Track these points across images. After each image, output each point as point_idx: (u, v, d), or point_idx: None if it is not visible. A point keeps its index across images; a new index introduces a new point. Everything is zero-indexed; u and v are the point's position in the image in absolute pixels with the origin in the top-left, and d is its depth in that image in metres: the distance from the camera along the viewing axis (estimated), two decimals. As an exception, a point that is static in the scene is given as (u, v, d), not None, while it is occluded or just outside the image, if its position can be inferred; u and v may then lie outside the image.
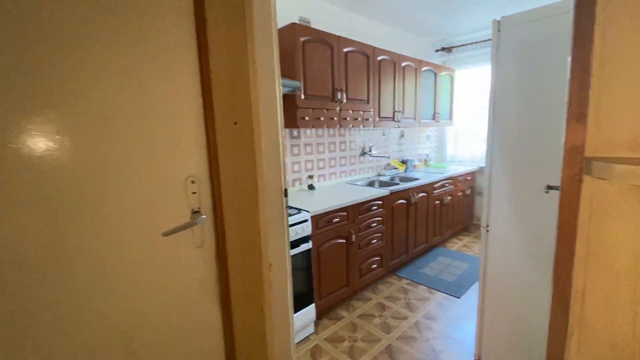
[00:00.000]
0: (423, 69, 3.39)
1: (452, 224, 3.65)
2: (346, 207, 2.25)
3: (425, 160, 4.21)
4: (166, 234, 1.08)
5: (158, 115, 1.06)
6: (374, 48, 2.74)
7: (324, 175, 2.90)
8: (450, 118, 4.03)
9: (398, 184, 2.94)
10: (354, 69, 2.56)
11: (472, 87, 4.08)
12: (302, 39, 2.18)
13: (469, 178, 3.86)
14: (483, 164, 4.01)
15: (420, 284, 2.70)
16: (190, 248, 1.18)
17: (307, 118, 2.24)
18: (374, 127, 2.86)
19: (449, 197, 3.50)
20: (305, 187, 2.71)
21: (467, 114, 4.15)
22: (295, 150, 2.64)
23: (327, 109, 2.38)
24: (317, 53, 2.29)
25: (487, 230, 1.64)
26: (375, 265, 2.59)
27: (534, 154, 1.43)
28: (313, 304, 2.06)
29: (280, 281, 1.14)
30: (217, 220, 1.23)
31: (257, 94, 1.06)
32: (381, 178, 3.29)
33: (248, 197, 1.14)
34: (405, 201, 2.85)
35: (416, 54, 3.65)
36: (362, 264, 2.48)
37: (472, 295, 2.51)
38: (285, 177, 1.21)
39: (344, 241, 2.29)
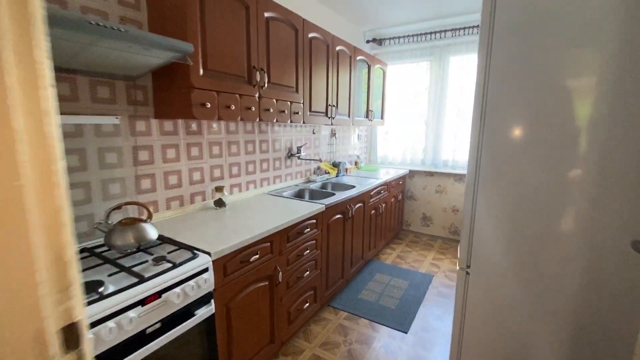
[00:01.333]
0: (358, 58, 2.92)
1: (385, 233, 3.32)
2: (271, 235, 1.58)
3: (356, 162, 3.82)
4: None
5: None
6: (304, 20, 2.11)
7: (238, 185, 2.16)
8: (382, 117, 3.71)
9: (333, 193, 2.40)
10: (278, 43, 1.89)
11: (402, 84, 3.83)
12: (199, -17, 1.41)
13: (401, 182, 3.60)
14: (413, 167, 3.82)
15: (361, 317, 2.22)
16: None
17: (209, 105, 1.48)
18: (303, 123, 2.25)
19: (384, 205, 3.14)
20: (211, 203, 1.94)
21: (397, 113, 3.90)
22: (195, 151, 1.84)
23: (240, 95, 1.66)
24: (226, 10, 1.54)
25: (467, 273, 1.19)
26: (307, 304, 2.00)
27: (561, 174, 1.00)
28: (220, 393, 1.34)
29: None
30: None
31: None
32: (311, 186, 2.72)
33: None
34: (341, 215, 2.33)
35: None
36: (292, 306, 1.85)
37: (418, 325, 2.13)
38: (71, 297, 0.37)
39: (267, 283, 1.62)
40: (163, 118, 1.62)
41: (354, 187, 2.68)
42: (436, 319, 2.19)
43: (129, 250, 1.27)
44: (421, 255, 3.32)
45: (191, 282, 1.15)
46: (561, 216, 1.00)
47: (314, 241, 2.00)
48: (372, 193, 2.81)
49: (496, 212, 1.10)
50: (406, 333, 2.06)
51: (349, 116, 2.88)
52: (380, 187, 2.98)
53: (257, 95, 1.76)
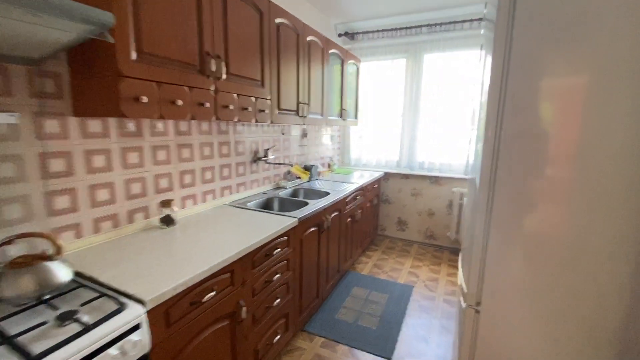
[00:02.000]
0: (330, 51, 2.66)
1: (361, 241, 3.11)
2: (232, 263, 1.27)
3: (329, 165, 3.57)
4: None
5: None
6: (270, 2, 1.80)
7: (192, 196, 1.80)
8: (356, 116, 3.48)
9: (306, 202, 2.12)
10: (239, 26, 1.57)
11: (376, 82, 3.63)
12: (128, -64, 1.06)
13: (376, 186, 3.41)
14: (388, 169, 3.64)
15: (339, 343, 1.97)
16: None
17: (145, 99, 1.13)
18: (271, 123, 1.94)
19: (360, 211, 2.92)
20: (156, 221, 1.57)
21: (372, 112, 3.70)
22: (133, 157, 1.46)
23: (190, 87, 1.32)
24: (168, -22, 1.20)
25: (477, 311, 0.97)
26: (279, 336, 1.70)
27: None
28: None
29: None
30: None
31: None
32: (281, 193, 2.41)
33: None
34: (316, 228, 2.06)
35: (320, 33, 2.90)
36: (260, 341, 1.55)
37: (402, 349, 1.92)
38: None
39: (228, 323, 1.31)
40: (85, 116, 1.24)
41: (328, 193, 2.43)
42: (421, 341, 1.99)
43: (26, 304, 0.90)
44: (398, 263, 3.14)
45: (112, 350, 0.81)
46: (609, 246, 0.81)
47: (286, 261, 1.71)
48: (348, 200, 2.57)
49: (521, 238, 0.88)
50: None
51: (322, 115, 2.61)
52: (356, 192, 2.75)
53: (212, 88, 1.43)
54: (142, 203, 1.52)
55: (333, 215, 2.31)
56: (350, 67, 3.14)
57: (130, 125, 1.44)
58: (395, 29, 3.26)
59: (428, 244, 3.58)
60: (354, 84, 3.35)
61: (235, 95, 1.57)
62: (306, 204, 2.09)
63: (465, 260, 1.18)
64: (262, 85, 1.79)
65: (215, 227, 1.57)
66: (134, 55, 1.10)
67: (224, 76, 1.47)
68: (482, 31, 1.23)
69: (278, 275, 1.62)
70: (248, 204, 2.04)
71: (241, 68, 1.61)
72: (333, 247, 2.39)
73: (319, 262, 2.16)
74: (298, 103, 2.20)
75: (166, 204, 1.55)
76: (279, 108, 1.98)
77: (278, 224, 1.64)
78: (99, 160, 1.33)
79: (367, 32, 3.44)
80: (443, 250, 3.44)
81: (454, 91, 3.21)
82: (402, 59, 3.43)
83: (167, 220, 1.55)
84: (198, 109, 1.36)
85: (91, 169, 1.30)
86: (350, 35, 3.55)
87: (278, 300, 1.65)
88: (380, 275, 2.87)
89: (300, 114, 2.24)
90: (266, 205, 2.24)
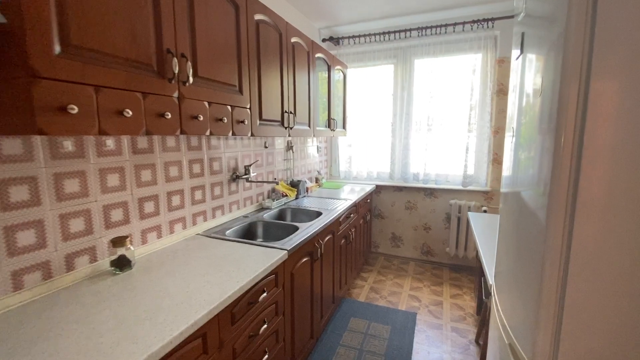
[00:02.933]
0: (316, 55, 2.41)
1: (355, 262, 2.82)
2: (203, 325, 0.95)
3: (317, 179, 3.29)
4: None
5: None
6: (249, -5, 1.53)
7: (156, 228, 1.47)
8: (344, 126, 3.24)
9: (296, 227, 1.82)
10: (211, 21, 1.28)
11: (364, 89, 3.42)
12: None
13: (368, 200, 3.16)
14: (380, 182, 3.40)
15: (340, 395, 1.65)
16: None
17: (75, 110, 0.82)
18: (251, 135, 1.64)
19: (354, 230, 2.65)
20: (106, 265, 1.23)
21: (361, 121, 3.47)
22: (72, 185, 1.13)
23: (145, 94, 1.01)
24: (110, -50, 0.90)
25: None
26: (267, 399, 1.38)
27: None
28: None
29: None
30: None
31: None
32: (265, 215, 2.10)
33: None
34: (308, 258, 1.76)
35: (304, 37, 2.66)
36: (244, 413, 1.22)
37: (415, 397, 1.64)
38: None
39: (200, 405, 0.98)
40: (-7, 133, 0.91)
41: (320, 213, 2.14)
42: (435, 384, 1.72)
43: None
44: (396, 284, 2.87)
45: None
46: None
47: (274, 305, 1.40)
48: (341, 219, 2.29)
49: (626, 283, 0.62)
50: (402, 414, 1.54)
51: (309, 126, 2.34)
52: (350, 210, 2.47)
53: (175, 94, 1.12)
54: (85, 243, 1.17)
55: (326, 239, 2.02)
56: (337, 74, 2.91)
57: (67, 144, 1.10)
58: (383, 33, 3.07)
59: (426, 261, 3.34)
60: (342, 92, 3.12)
61: (206, 103, 1.27)
62: (296, 228, 1.80)
63: (512, 305, 0.92)
64: (240, 91, 1.50)
65: (183, 269, 1.24)
66: (57, 49, 0.79)
67: (190, 80, 1.17)
68: (520, 25, 1.01)
69: (265, 326, 1.30)
70: (226, 232, 1.72)
71: (213, 70, 1.31)
72: (327, 275, 2.09)
73: (312, 296, 1.86)
74: (283, 112, 1.93)
75: (118, 242, 1.21)
76: (260, 118, 1.69)
77: (264, 259, 1.33)
78: (18, 192, 0.99)
79: (353, 36, 3.23)
80: (442, 268, 3.20)
81: (449, 98, 3.04)
82: (391, 64, 3.24)
83: (121, 263, 1.21)
84: (156, 121, 1.05)
85: (7, 205, 0.96)
86: (335, 40, 3.34)
87: (266, 357, 1.32)
88: (379, 301, 2.59)
89: (285, 125, 1.96)
90: (248, 232, 1.92)
